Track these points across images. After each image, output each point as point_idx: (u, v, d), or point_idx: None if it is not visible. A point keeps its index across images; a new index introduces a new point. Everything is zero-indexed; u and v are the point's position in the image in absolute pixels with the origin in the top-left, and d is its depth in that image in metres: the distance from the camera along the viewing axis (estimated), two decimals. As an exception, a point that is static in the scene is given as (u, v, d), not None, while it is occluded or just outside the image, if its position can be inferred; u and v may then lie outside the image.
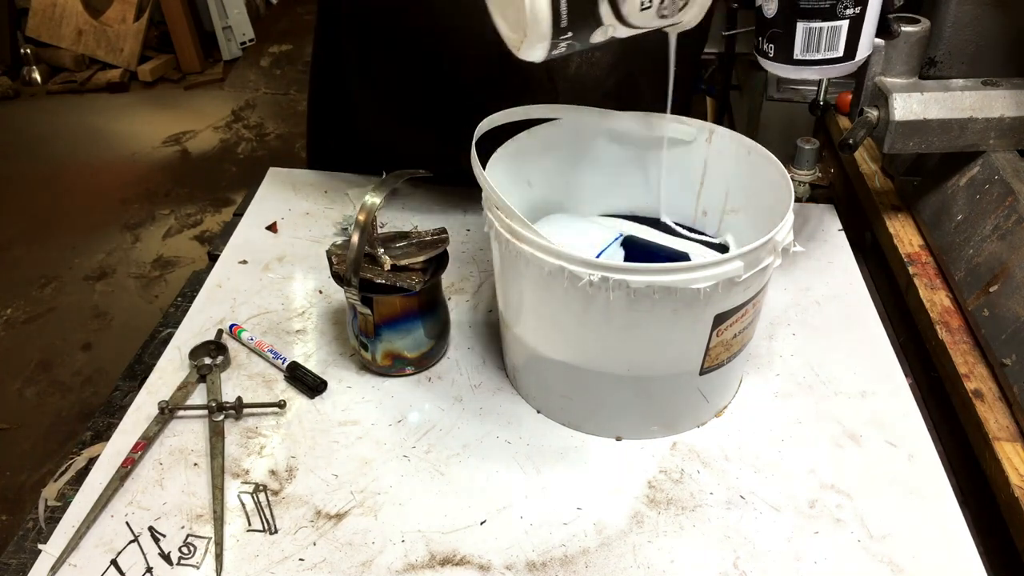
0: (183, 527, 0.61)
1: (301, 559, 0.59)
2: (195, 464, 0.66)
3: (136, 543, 0.60)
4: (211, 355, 0.75)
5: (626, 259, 0.76)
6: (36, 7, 3.40)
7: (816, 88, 0.87)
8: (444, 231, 0.72)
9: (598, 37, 0.56)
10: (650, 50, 0.65)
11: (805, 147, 0.96)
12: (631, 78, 0.65)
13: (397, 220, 0.95)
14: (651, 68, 0.65)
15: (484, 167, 0.64)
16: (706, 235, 0.79)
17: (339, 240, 0.82)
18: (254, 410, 0.71)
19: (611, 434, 0.68)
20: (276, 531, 0.61)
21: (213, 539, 0.60)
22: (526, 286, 0.63)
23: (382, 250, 0.68)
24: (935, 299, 0.80)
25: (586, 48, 0.57)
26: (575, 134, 0.77)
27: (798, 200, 0.97)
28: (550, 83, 0.84)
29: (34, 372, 2.02)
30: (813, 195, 0.99)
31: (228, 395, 0.72)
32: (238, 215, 0.97)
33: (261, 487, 0.64)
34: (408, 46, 0.86)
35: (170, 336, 0.79)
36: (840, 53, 0.66)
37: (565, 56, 0.74)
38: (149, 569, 0.58)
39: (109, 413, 0.72)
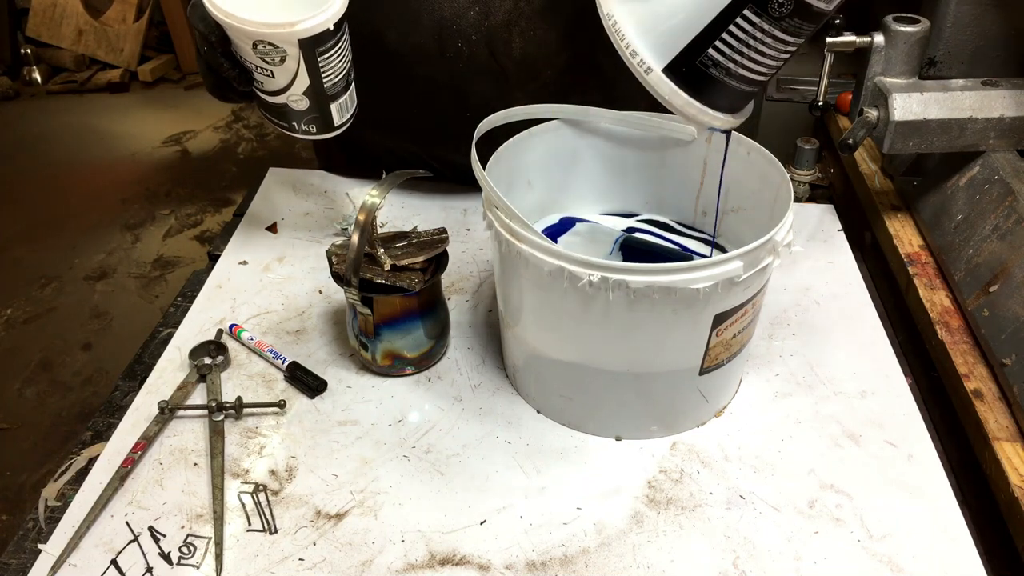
0: (183, 527, 0.61)
1: (301, 559, 0.59)
2: (195, 464, 0.66)
3: (136, 543, 0.60)
4: (211, 355, 0.75)
5: (625, 259, 0.76)
6: (36, 7, 3.40)
7: (816, 88, 0.87)
8: (444, 231, 0.72)
9: None
10: (601, 25, 0.64)
11: (805, 147, 0.96)
12: (586, 54, 0.64)
13: (397, 220, 0.95)
14: (610, 42, 0.64)
15: (484, 167, 0.64)
16: (706, 235, 0.79)
17: (339, 240, 0.82)
18: (254, 410, 0.71)
19: (611, 434, 0.68)
20: (276, 531, 0.61)
21: (213, 539, 0.60)
22: (526, 286, 0.63)
23: (382, 250, 0.68)
24: (935, 299, 0.80)
25: None
26: (575, 134, 0.77)
27: (798, 200, 0.97)
28: (498, 67, 0.84)
29: (34, 372, 2.02)
30: (813, 195, 0.99)
31: (228, 395, 0.72)
32: (238, 215, 0.97)
33: (261, 487, 0.64)
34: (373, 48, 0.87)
35: (170, 336, 0.79)
36: None
37: (506, 39, 0.81)
38: (149, 569, 0.58)
39: (109, 413, 0.72)
